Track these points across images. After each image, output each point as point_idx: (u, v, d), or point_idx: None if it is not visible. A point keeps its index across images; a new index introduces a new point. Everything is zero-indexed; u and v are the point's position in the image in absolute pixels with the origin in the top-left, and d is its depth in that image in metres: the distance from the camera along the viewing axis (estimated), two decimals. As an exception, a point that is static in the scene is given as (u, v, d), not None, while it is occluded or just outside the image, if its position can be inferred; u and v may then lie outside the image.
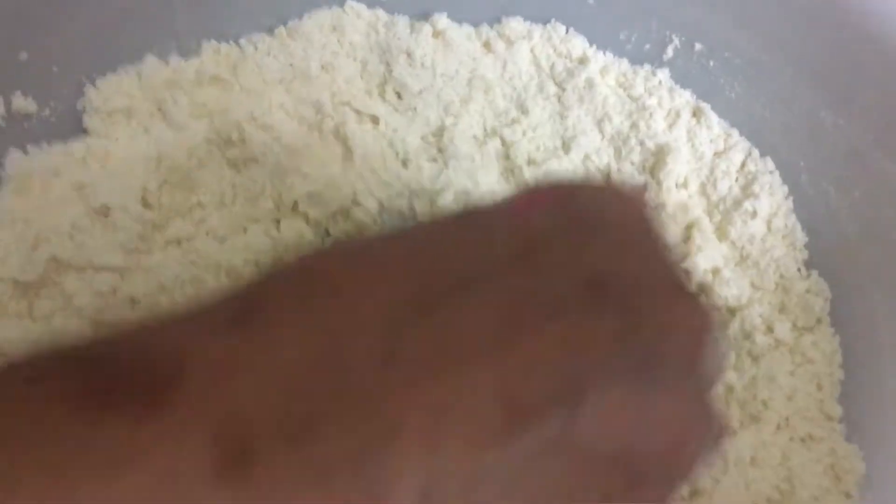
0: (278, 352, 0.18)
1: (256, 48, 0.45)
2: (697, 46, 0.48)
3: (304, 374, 0.18)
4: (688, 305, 0.22)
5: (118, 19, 0.41)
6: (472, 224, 0.22)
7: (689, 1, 0.46)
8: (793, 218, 0.46)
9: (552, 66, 0.47)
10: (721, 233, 0.45)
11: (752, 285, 0.45)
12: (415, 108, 0.45)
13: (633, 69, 0.49)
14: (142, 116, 0.42)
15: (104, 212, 0.39)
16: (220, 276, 0.39)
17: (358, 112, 0.44)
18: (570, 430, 0.19)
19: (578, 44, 0.48)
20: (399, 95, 0.46)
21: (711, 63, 0.47)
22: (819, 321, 0.44)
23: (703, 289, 0.39)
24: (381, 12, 0.47)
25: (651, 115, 0.46)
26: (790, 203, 0.47)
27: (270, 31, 0.46)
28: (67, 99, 0.41)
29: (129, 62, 0.43)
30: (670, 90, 0.48)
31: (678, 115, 0.47)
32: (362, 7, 0.46)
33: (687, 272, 0.27)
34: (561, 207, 0.23)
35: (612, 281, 0.21)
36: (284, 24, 0.46)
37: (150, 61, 0.43)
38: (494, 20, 0.48)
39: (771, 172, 0.47)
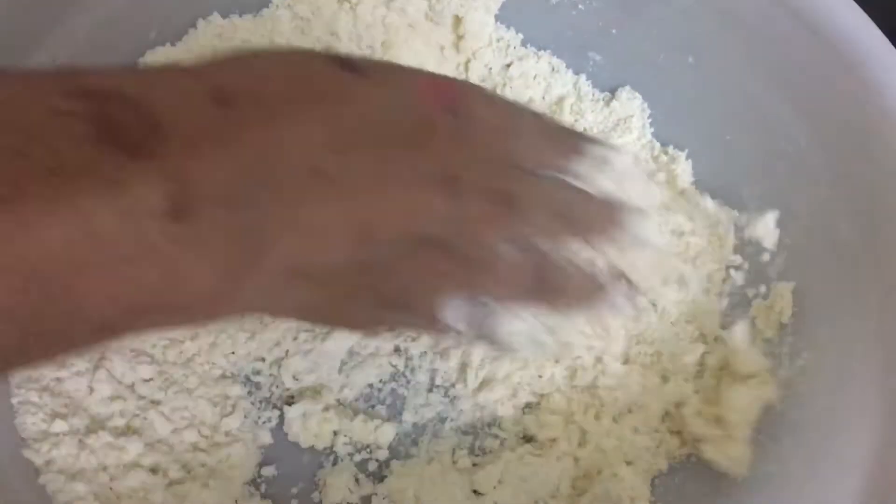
0: (240, 144, 0.25)
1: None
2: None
3: (252, 166, 0.25)
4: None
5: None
6: (390, 90, 0.30)
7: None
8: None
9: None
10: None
11: None
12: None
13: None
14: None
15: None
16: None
17: None
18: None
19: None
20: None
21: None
22: None
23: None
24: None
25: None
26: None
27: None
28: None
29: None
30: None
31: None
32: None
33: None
34: (452, 108, 0.31)
35: (460, 180, 0.30)
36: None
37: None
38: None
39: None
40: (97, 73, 0.24)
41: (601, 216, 0.33)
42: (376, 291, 0.30)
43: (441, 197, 0.29)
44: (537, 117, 0.35)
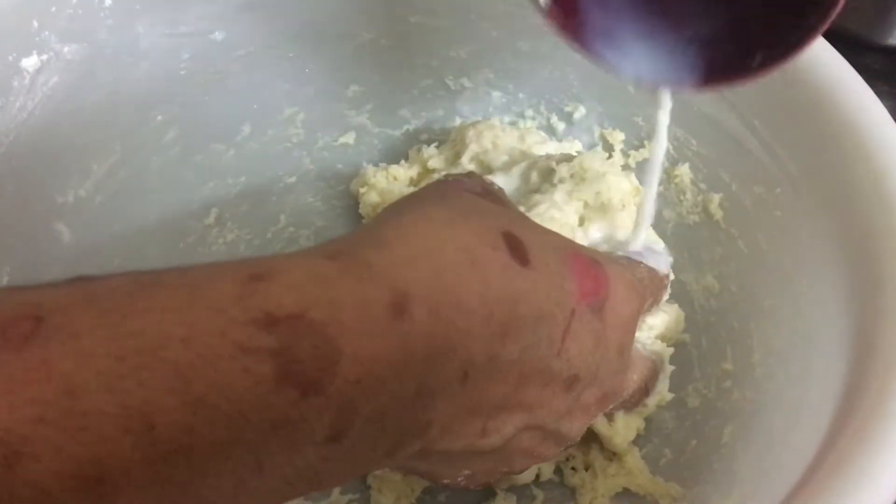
0: (409, 354, 0.25)
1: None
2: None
3: (408, 372, 0.25)
4: None
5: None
6: (549, 280, 0.30)
7: None
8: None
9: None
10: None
11: None
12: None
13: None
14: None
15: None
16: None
17: None
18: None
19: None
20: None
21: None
22: None
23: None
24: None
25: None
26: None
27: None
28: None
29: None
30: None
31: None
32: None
33: None
34: (599, 305, 0.32)
35: (581, 380, 0.32)
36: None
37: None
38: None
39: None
40: (280, 286, 0.23)
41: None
42: (475, 464, 0.33)
43: (563, 393, 0.31)
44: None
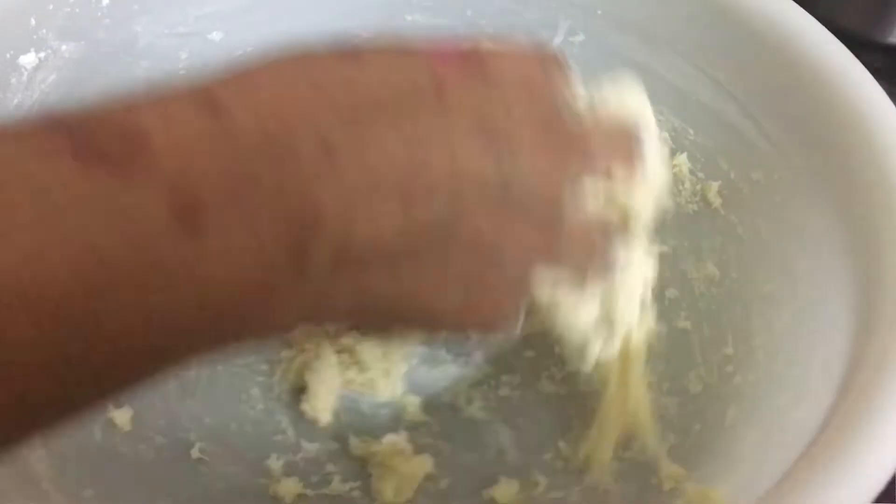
0: (234, 134, 0.23)
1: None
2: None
3: (251, 151, 0.23)
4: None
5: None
6: (396, 66, 0.27)
7: None
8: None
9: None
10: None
11: None
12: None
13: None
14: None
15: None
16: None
17: None
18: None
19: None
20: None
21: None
22: None
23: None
24: None
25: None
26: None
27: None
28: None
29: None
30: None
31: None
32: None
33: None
34: (465, 61, 0.28)
35: (495, 126, 0.27)
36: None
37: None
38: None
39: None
40: (78, 111, 0.22)
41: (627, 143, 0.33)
42: (449, 270, 0.28)
43: (482, 147, 0.27)
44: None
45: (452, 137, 0.27)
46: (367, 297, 0.27)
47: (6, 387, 0.20)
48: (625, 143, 0.33)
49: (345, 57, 0.27)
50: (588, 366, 0.36)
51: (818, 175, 0.42)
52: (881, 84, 0.42)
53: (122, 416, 0.40)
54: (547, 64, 0.31)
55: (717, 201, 0.47)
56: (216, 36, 0.50)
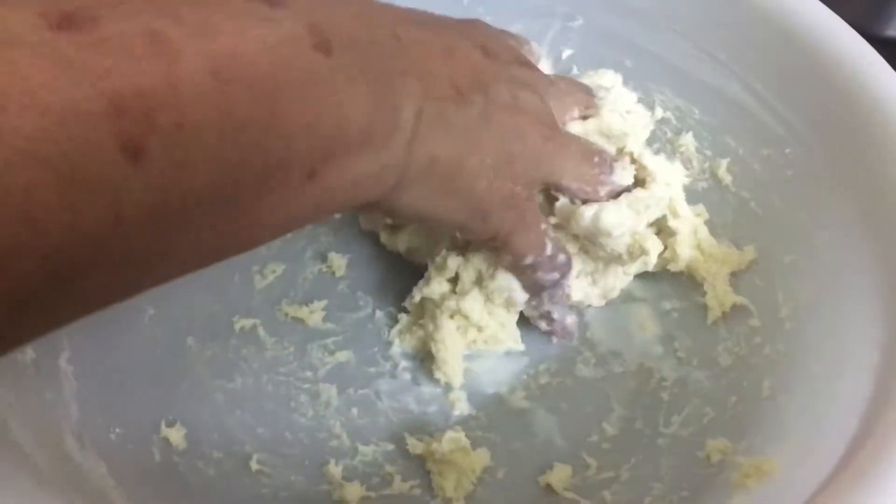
0: (343, 8, 0.31)
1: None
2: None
3: (355, 25, 0.30)
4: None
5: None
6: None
7: None
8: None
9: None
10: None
11: None
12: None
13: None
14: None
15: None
16: None
17: None
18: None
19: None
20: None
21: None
22: None
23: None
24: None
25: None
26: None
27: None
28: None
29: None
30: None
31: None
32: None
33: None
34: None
35: (489, 50, 0.40)
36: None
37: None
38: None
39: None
40: None
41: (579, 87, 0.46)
42: (484, 148, 0.36)
43: (484, 58, 0.38)
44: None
45: (469, 50, 0.38)
46: (433, 161, 0.34)
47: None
48: (581, 89, 0.46)
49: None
50: (650, 264, 0.45)
51: (830, 147, 0.44)
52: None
53: (175, 434, 0.40)
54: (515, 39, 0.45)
55: (727, 178, 0.49)
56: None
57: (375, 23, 0.32)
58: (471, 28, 0.41)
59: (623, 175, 0.43)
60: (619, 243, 0.42)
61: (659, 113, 0.51)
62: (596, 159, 0.42)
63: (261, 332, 0.45)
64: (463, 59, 0.37)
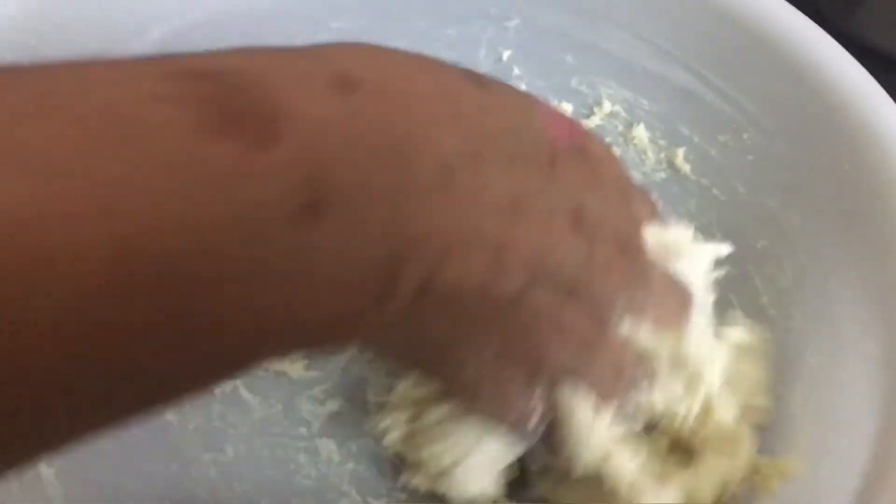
0: (365, 126, 0.22)
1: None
2: None
3: (383, 159, 0.22)
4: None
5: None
6: (518, 111, 0.28)
7: None
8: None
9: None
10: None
11: None
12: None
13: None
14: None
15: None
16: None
17: None
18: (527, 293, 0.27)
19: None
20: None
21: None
22: None
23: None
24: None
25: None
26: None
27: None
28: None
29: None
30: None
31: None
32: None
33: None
34: (579, 146, 0.29)
35: (588, 218, 0.28)
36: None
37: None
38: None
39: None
40: (199, 56, 0.21)
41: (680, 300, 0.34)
42: (506, 340, 0.28)
43: (572, 231, 0.27)
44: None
45: (553, 210, 0.27)
46: (423, 336, 0.27)
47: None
48: (678, 300, 0.34)
49: (471, 77, 0.27)
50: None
51: (789, 130, 0.44)
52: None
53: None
54: (642, 191, 0.34)
55: (685, 167, 0.49)
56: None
57: (421, 130, 0.23)
58: (581, 168, 0.29)
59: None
60: None
61: (607, 107, 0.51)
62: (623, 386, 0.32)
63: (243, 392, 0.42)
64: (536, 225, 0.26)
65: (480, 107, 0.26)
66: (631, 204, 0.32)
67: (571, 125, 0.30)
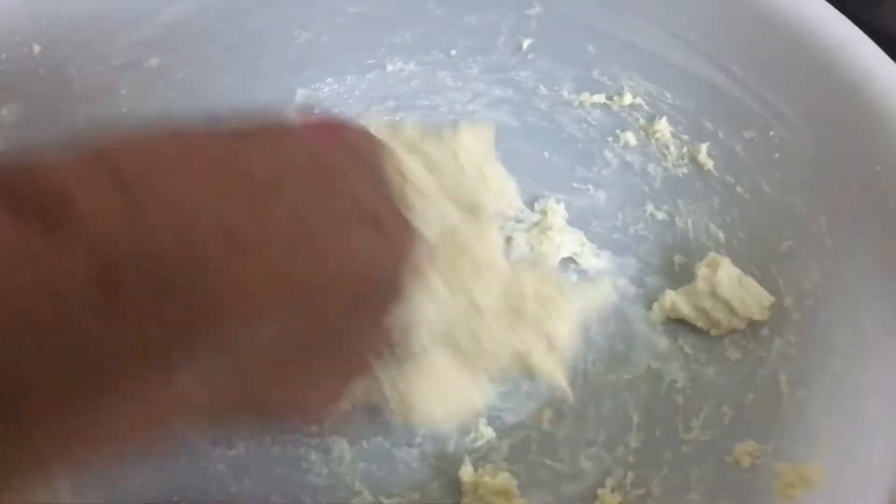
0: (148, 215, 0.23)
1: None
2: None
3: (165, 235, 0.23)
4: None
5: None
6: (277, 140, 0.28)
7: None
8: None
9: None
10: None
11: None
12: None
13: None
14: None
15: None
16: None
17: None
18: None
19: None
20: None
21: None
22: None
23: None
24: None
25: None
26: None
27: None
28: None
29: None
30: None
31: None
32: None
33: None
34: (340, 145, 0.29)
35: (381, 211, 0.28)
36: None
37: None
38: None
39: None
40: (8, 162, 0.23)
41: None
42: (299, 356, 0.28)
43: (372, 236, 0.28)
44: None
45: (342, 225, 0.27)
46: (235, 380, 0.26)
47: None
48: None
49: (235, 136, 0.27)
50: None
51: (819, 130, 0.43)
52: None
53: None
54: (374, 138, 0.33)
55: (708, 163, 0.48)
56: (153, 62, 0.44)
57: (198, 207, 0.24)
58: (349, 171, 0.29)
59: None
60: None
61: (628, 98, 0.50)
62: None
63: (253, 387, 0.41)
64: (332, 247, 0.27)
65: (245, 157, 0.26)
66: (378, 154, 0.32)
67: (332, 127, 0.31)
